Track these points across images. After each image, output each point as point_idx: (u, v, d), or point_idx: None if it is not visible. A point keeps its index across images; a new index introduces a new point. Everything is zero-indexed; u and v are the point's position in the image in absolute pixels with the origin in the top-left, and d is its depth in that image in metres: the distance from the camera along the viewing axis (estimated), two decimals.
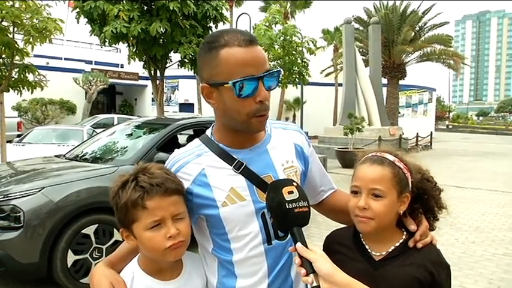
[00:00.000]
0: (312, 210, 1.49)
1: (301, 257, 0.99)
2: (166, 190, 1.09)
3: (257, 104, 1.09)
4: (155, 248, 1.09)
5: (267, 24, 14.46)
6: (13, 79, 6.31)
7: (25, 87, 6.45)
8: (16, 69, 6.30)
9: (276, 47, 14.31)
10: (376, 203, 1.13)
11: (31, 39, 5.91)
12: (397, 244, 1.18)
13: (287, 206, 1.04)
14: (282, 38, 14.13)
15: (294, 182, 1.12)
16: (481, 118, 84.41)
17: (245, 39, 1.08)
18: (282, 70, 1.13)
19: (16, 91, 6.45)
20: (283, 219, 1.05)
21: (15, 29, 5.94)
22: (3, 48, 5.97)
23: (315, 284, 0.94)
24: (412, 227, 1.20)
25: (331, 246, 1.28)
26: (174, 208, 1.10)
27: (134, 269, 1.17)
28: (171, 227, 1.08)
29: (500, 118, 78.78)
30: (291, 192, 1.06)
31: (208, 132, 1.26)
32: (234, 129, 1.16)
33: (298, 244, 1.01)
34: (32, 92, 6.67)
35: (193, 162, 1.18)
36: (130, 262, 1.20)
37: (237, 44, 1.07)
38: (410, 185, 1.19)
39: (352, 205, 1.18)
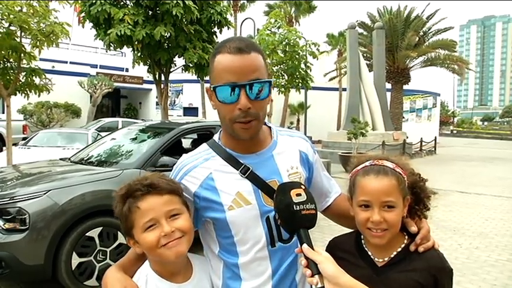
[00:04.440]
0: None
1: (307, 258, 1.01)
2: (157, 190, 1.12)
3: (238, 111, 1.11)
4: (152, 247, 1.11)
5: (270, 29, 14.48)
6: (20, 83, 6.38)
7: (32, 91, 6.51)
8: (23, 73, 6.37)
9: (279, 51, 14.32)
10: (389, 214, 1.14)
11: (38, 43, 5.97)
12: (399, 249, 1.19)
13: (295, 208, 1.06)
14: (284, 43, 14.15)
15: (302, 185, 1.14)
16: (485, 123, 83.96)
17: (236, 46, 1.11)
18: (272, 81, 1.14)
19: (23, 94, 6.51)
20: (290, 220, 1.07)
21: (23, 33, 6.00)
22: (10, 52, 6.03)
23: (319, 285, 0.97)
24: (413, 228, 1.21)
25: (334, 252, 1.28)
26: (167, 207, 1.12)
27: (147, 272, 1.19)
28: (165, 225, 1.10)
29: (505, 123, 78.34)
30: (299, 195, 1.08)
31: (215, 137, 1.29)
32: (232, 136, 1.20)
33: (304, 245, 1.03)
34: (39, 95, 6.73)
35: (201, 166, 1.22)
36: (143, 265, 1.22)
37: (227, 51, 1.12)
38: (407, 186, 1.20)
39: (363, 219, 1.17)
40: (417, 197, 1.24)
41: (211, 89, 1.14)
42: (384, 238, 1.15)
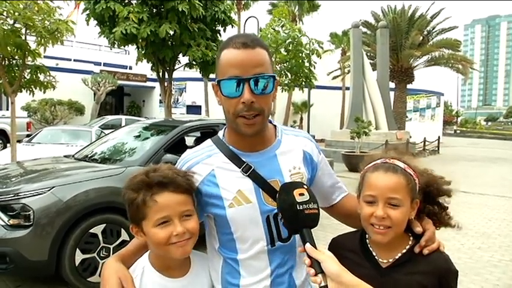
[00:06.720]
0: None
1: (310, 257, 1.02)
2: (175, 187, 1.12)
3: (241, 104, 1.12)
4: (161, 243, 1.12)
5: (273, 27, 14.47)
6: (25, 80, 6.40)
7: (37, 87, 6.54)
8: (28, 70, 6.39)
9: (282, 50, 14.30)
10: (394, 211, 1.13)
11: (43, 41, 6.00)
12: (404, 251, 1.18)
13: (298, 207, 1.06)
14: (288, 41, 14.12)
15: (305, 185, 1.14)
16: (489, 123, 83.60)
17: (241, 41, 1.12)
18: (276, 75, 1.15)
19: (28, 91, 6.54)
20: (294, 220, 1.07)
21: (27, 30, 6.02)
22: (15, 49, 6.06)
23: (323, 283, 0.97)
24: (418, 229, 1.20)
25: (337, 251, 1.27)
26: (182, 206, 1.13)
27: (145, 264, 1.21)
28: (178, 225, 1.11)
29: (509, 123, 77.98)
30: (301, 194, 1.09)
31: (220, 133, 1.29)
32: (236, 131, 1.20)
33: (307, 245, 1.03)
34: (44, 92, 6.76)
35: (203, 162, 1.22)
36: (141, 257, 1.23)
37: (232, 46, 1.13)
38: (417, 190, 1.19)
39: (367, 214, 1.16)
40: (432, 196, 1.23)
41: (216, 83, 1.16)
42: (386, 236, 1.14)
